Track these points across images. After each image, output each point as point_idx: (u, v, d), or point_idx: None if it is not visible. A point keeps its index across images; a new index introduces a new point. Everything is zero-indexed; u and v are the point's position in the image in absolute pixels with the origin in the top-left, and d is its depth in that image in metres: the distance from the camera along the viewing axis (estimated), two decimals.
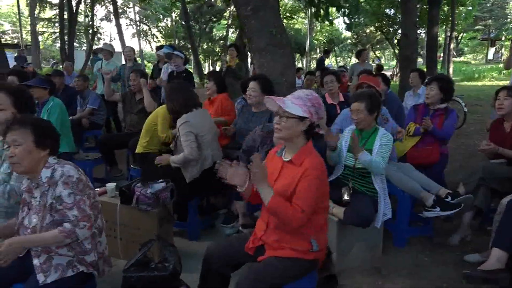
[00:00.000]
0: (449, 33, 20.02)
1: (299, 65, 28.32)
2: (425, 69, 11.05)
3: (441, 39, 26.11)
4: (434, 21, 11.98)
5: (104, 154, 5.09)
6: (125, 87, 6.49)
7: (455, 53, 26.19)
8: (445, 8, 19.58)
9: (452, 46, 20.40)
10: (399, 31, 18.12)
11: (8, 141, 1.96)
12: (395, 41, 22.67)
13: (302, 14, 29.30)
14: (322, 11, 5.84)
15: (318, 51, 39.20)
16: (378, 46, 36.51)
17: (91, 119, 6.09)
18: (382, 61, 44.58)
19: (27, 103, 2.54)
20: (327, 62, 14.14)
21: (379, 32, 26.69)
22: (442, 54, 23.99)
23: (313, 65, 35.38)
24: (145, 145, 4.24)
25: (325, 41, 37.69)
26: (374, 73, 6.21)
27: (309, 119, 2.01)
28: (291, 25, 31.85)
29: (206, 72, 32.82)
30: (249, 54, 12.89)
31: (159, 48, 7.28)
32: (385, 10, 21.28)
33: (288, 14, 25.55)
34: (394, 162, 3.58)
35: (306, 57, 27.46)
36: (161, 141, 4.15)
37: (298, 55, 30.33)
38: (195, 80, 6.64)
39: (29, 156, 1.96)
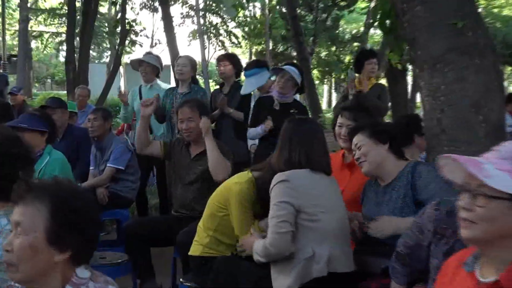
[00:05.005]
0: None
1: None
2: None
3: None
4: None
5: (133, 255, 4.44)
6: (172, 130, 5.69)
7: None
8: None
9: None
10: None
11: (12, 220, 1.85)
12: None
13: None
14: None
15: None
16: None
17: (112, 189, 5.34)
18: None
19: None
20: None
21: None
22: None
23: None
24: (207, 243, 3.64)
25: None
26: None
27: None
28: (493, 11, 21.88)
29: (325, 100, 29.35)
30: (409, 68, 10.94)
31: (252, 65, 5.91)
32: None
33: None
34: None
35: None
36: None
37: (511, 68, 23.46)
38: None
39: (33, 258, 1.76)
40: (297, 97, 5.41)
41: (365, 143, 3.35)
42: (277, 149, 3.33)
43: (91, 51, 18.69)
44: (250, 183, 3.58)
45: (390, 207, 3.24)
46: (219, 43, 28.56)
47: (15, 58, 23.09)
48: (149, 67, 6.04)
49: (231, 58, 6.03)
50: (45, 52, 33.17)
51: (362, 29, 22.07)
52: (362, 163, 3.36)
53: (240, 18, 25.58)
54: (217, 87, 6.73)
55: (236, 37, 27.72)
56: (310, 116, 5.60)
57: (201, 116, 4.37)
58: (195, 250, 3.69)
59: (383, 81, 11.04)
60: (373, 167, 3.31)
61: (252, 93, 5.62)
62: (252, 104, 5.54)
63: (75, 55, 14.00)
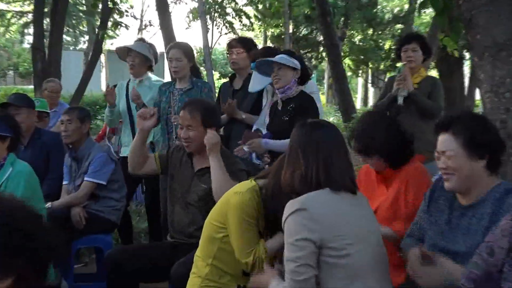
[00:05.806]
0: None
1: None
2: None
3: None
4: None
5: None
6: (169, 135, 5.09)
7: None
8: None
9: None
10: None
11: None
12: None
13: None
14: None
15: None
16: None
17: (91, 210, 4.73)
18: None
19: None
20: None
21: None
22: None
23: None
24: (206, 274, 3.45)
25: None
26: None
27: None
28: None
29: (359, 97, 25.50)
30: (466, 57, 10.09)
31: (258, 55, 5.07)
32: None
33: None
34: None
35: None
36: (244, 267, 3.36)
37: None
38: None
39: None
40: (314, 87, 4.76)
41: (456, 154, 2.86)
42: (287, 163, 2.90)
43: (64, 36, 16.80)
44: (253, 193, 3.22)
45: (469, 238, 2.82)
46: (226, 25, 25.30)
47: None
48: (139, 58, 5.29)
49: (246, 44, 5.21)
50: (6, 36, 30.30)
51: (406, 7, 19.33)
52: (450, 177, 2.90)
53: None
54: (225, 80, 5.97)
55: (248, 17, 24.08)
56: (313, 110, 4.65)
57: (204, 124, 3.81)
58: (192, 283, 3.37)
59: (434, 73, 9.64)
60: (463, 184, 2.86)
61: (265, 89, 4.96)
62: (264, 103, 4.94)
63: (45, 40, 12.53)
